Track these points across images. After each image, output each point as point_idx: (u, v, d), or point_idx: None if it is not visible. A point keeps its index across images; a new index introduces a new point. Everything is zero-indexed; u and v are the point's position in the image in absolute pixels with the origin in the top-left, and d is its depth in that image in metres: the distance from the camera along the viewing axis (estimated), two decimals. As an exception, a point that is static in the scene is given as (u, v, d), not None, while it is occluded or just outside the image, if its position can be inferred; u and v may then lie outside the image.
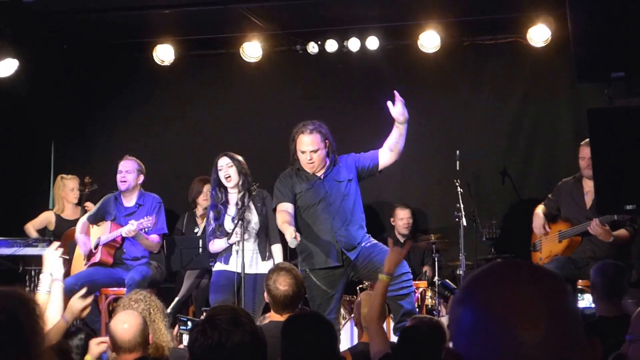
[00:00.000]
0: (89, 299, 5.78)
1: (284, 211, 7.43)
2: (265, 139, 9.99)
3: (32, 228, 9.53)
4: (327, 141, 7.48)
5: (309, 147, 7.43)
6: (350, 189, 7.51)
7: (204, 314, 4.20)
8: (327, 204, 7.45)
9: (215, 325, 3.82)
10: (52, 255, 5.86)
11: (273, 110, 10.40)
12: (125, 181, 8.50)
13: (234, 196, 7.93)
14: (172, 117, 10.72)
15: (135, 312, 5.18)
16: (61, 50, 10.45)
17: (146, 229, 8.25)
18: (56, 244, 6.10)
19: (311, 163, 7.45)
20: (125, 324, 4.96)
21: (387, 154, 7.50)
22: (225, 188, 7.93)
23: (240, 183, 7.88)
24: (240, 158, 7.93)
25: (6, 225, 9.31)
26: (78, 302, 5.65)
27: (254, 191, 7.84)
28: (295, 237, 6.94)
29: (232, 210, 7.87)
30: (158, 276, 8.50)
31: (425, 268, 9.37)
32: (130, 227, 8.16)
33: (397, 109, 7.21)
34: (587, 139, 7.47)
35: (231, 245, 7.76)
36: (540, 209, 8.48)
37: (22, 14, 8.95)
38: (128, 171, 8.50)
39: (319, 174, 7.51)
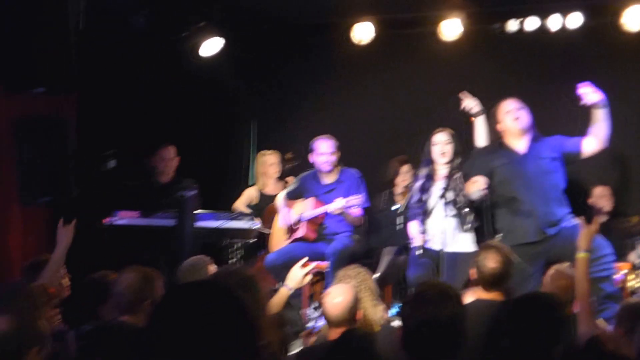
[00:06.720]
0: (311, 266, 5.95)
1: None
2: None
3: (241, 206, 9.76)
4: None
5: (512, 105, 7.55)
6: (553, 167, 7.45)
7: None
8: (528, 179, 7.43)
9: (426, 300, 3.88)
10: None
11: (470, 89, 10.30)
12: (330, 162, 8.65)
13: (442, 172, 7.94)
14: (368, 97, 10.79)
15: (349, 288, 5.28)
16: (261, 31, 10.69)
17: (354, 207, 8.36)
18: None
19: (517, 120, 7.53)
20: (336, 298, 5.10)
21: (590, 142, 7.40)
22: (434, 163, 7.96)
23: (452, 161, 7.91)
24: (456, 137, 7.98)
25: (210, 200, 9.60)
26: (300, 270, 5.85)
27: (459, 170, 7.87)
28: (482, 189, 7.10)
29: (438, 186, 7.86)
30: (359, 249, 8.62)
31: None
32: (337, 205, 8.28)
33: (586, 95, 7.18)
34: None
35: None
36: None
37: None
38: (332, 153, 8.66)
39: (521, 149, 7.47)
